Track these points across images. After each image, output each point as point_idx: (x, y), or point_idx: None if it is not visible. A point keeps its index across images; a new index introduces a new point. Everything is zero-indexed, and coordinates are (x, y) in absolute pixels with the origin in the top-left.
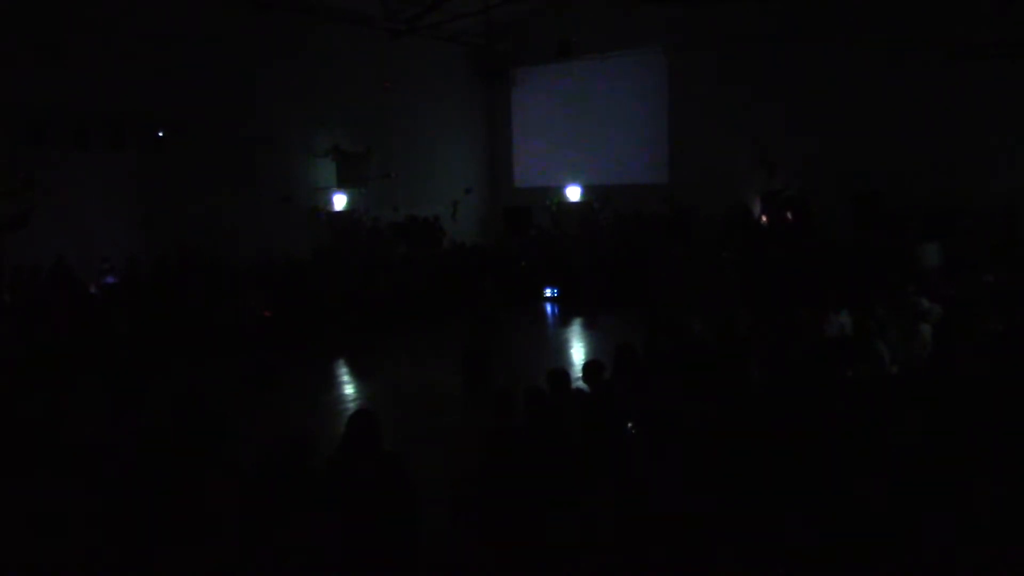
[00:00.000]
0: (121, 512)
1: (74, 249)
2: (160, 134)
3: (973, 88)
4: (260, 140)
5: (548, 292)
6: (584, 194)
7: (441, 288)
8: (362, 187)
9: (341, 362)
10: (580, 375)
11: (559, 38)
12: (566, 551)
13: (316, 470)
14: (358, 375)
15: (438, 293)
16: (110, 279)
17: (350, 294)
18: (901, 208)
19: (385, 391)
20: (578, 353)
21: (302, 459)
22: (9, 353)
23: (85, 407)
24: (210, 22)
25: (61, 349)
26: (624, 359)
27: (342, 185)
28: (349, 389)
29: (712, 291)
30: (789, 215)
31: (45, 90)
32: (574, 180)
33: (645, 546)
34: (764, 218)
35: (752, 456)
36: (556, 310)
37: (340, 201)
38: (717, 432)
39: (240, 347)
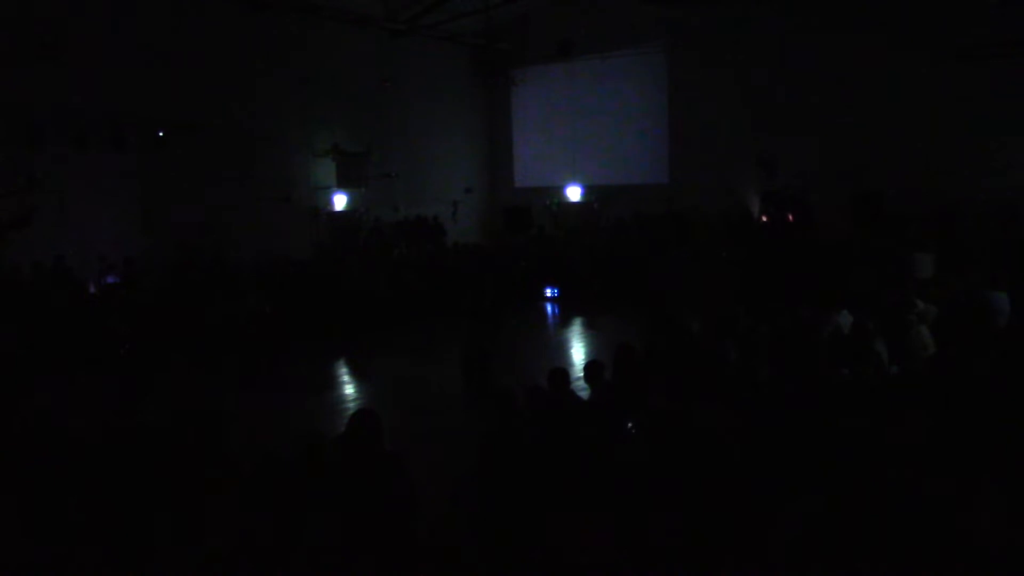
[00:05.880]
0: (120, 511)
1: (74, 249)
2: (160, 134)
3: (973, 88)
4: (260, 140)
5: (548, 292)
6: (584, 194)
7: (441, 288)
8: (362, 187)
9: (341, 362)
10: (580, 375)
11: (559, 38)
12: (566, 551)
13: (324, 468)
14: (358, 375)
15: (438, 293)
16: (110, 279)
17: (350, 294)
18: (901, 208)
19: (385, 391)
20: (578, 353)
21: (317, 456)
22: (9, 353)
23: (85, 406)
24: (210, 22)
25: (61, 349)
26: (624, 359)
27: (342, 185)
28: (349, 389)
29: (712, 291)
30: (790, 216)
31: (45, 90)
32: (574, 180)
33: (645, 546)
34: (764, 218)
35: (754, 456)
36: (556, 310)
37: (340, 201)
38: (722, 432)
39: (240, 346)
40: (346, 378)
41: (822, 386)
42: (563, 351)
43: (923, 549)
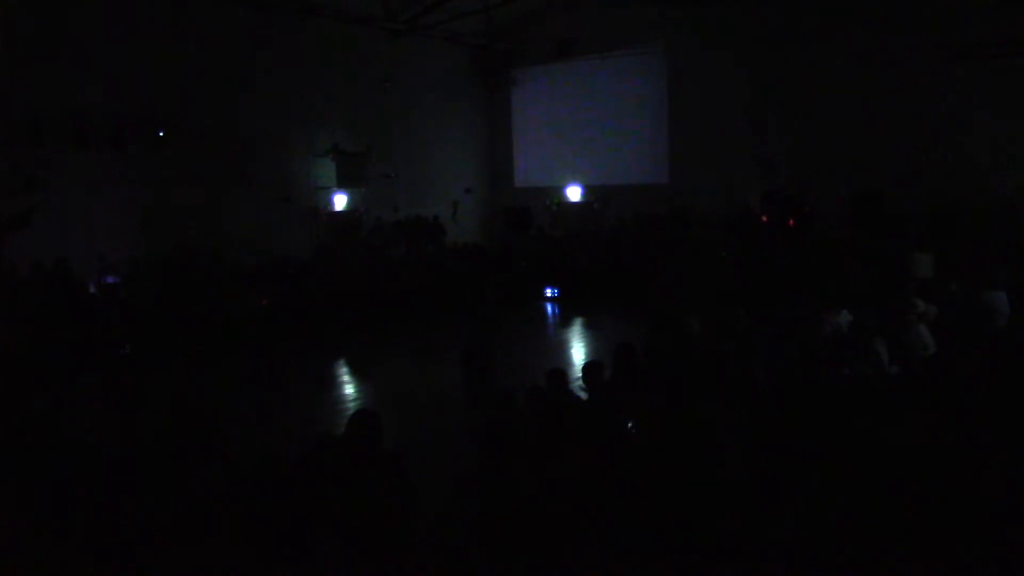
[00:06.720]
0: (120, 512)
1: (74, 249)
2: (160, 133)
3: (973, 88)
4: (260, 140)
5: (548, 292)
6: (584, 194)
7: (441, 288)
8: (362, 187)
9: (341, 362)
10: (580, 375)
11: (559, 38)
12: (566, 551)
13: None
14: (358, 375)
15: (438, 293)
16: (110, 279)
17: (350, 294)
18: (901, 208)
19: (385, 391)
20: (578, 353)
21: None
22: (9, 353)
23: (85, 407)
24: (209, 22)
25: (61, 349)
26: (624, 359)
27: (342, 185)
28: (349, 389)
29: (712, 291)
30: (790, 221)
31: (45, 90)
32: (574, 180)
33: (646, 546)
34: (764, 218)
35: (755, 455)
36: (556, 310)
37: (340, 201)
38: (722, 432)
39: (240, 346)
40: (346, 378)
41: (822, 386)
42: (563, 351)
43: (923, 548)
